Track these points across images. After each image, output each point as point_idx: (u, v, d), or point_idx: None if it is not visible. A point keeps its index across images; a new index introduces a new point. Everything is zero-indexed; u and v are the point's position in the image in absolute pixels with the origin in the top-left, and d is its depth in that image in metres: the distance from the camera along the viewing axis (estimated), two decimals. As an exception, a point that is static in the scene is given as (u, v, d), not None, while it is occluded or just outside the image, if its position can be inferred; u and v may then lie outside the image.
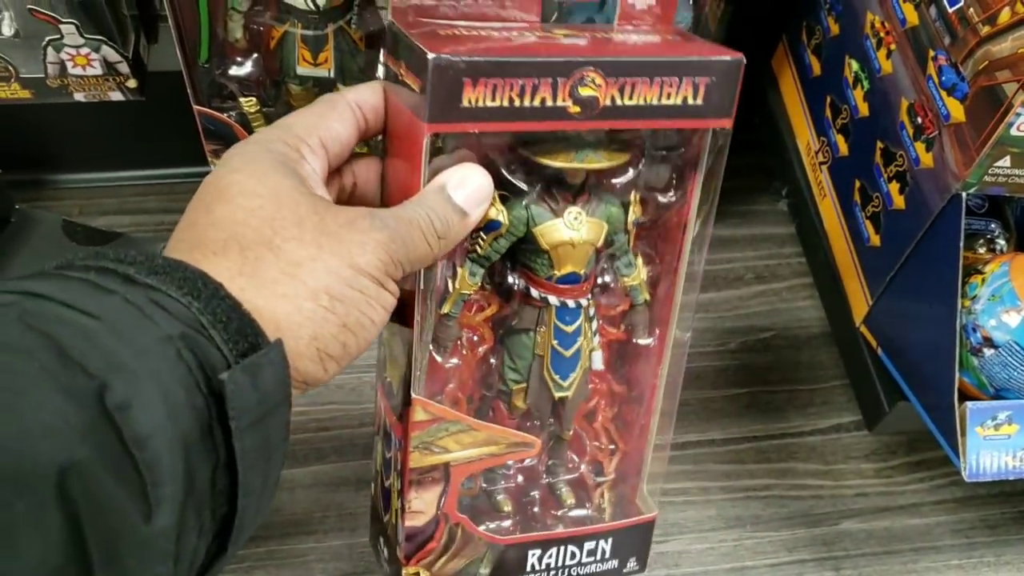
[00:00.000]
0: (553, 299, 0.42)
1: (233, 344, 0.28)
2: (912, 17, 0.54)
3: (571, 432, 0.47)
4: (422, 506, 0.43)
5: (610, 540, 0.47)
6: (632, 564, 0.49)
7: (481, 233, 0.39)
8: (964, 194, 0.50)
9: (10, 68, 0.52)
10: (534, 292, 0.42)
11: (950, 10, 0.49)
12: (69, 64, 0.52)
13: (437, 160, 0.36)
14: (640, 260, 0.44)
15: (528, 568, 0.46)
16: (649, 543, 0.49)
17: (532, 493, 0.49)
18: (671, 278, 0.45)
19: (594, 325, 0.44)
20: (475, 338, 0.44)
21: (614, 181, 0.41)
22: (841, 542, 0.63)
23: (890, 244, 0.58)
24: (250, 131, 0.53)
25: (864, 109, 0.61)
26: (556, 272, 0.41)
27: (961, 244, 0.50)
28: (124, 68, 0.53)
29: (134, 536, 0.24)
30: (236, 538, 0.29)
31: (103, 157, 0.72)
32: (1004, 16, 0.45)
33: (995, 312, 0.51)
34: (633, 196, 0.41)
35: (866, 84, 0.60)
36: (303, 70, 0.51)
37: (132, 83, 0.54)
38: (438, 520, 0.43)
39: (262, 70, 0.52)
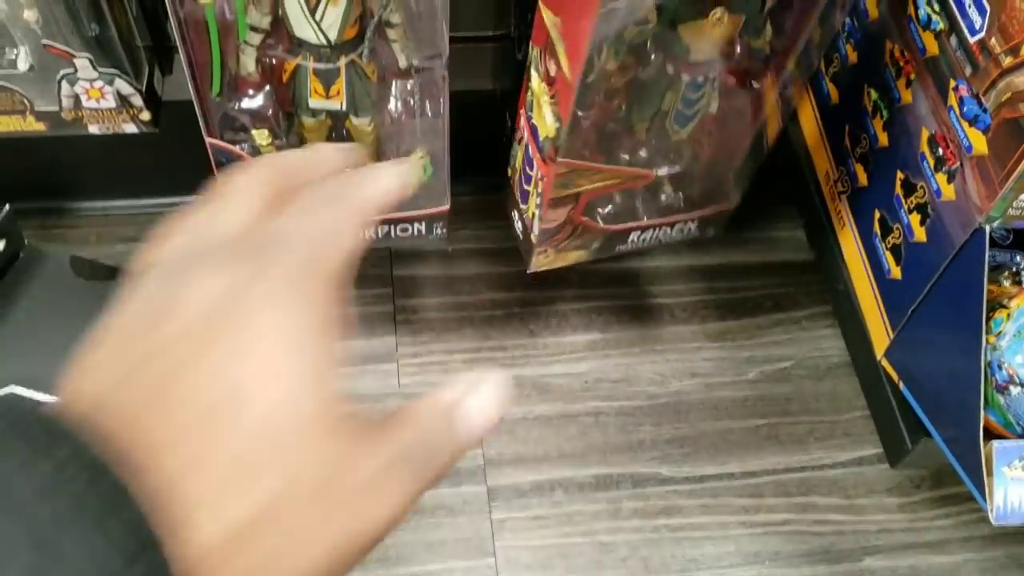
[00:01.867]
0: (685, 76, 0.48)
1: None
2: (932, 46, 0.53)
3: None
4: (555, 217, 0.54)
5: (696, 222, 0.60)
6: (711, 232, 0.63)
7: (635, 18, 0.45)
8: (988, 227, 0.49)
9: (25, 102, 0.52)
10: (669, 68, 0.48)
11: (971, 40, 0.49)
12: (83, 97, 0.52)
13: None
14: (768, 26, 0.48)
15: (629, 241, 0.59)
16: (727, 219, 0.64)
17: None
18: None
19: (715, 83, 0.50)
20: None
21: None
22: (863, 579, 0.62)
23: (912, 276, 0.57)
24: (263, 164, 0.53)
25: (884, 139, 0.60)
26: (691, 58, 0.47)
27: (985, 278, 0.49)
28: (138, 101, 0.53)
29: None
30: None
31: (119, 185, 0.72)
32: (1027, 47, 0.44)
33: (1022, 349, 0.50)
34: None
35: (885, 113, 0.59)
36: (315, 103, 0.51)
37: (145, 115, 0.54)
38: (565, 223, 0.55)
39: (274, 102, 0.51)
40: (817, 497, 0.66)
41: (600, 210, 0.56)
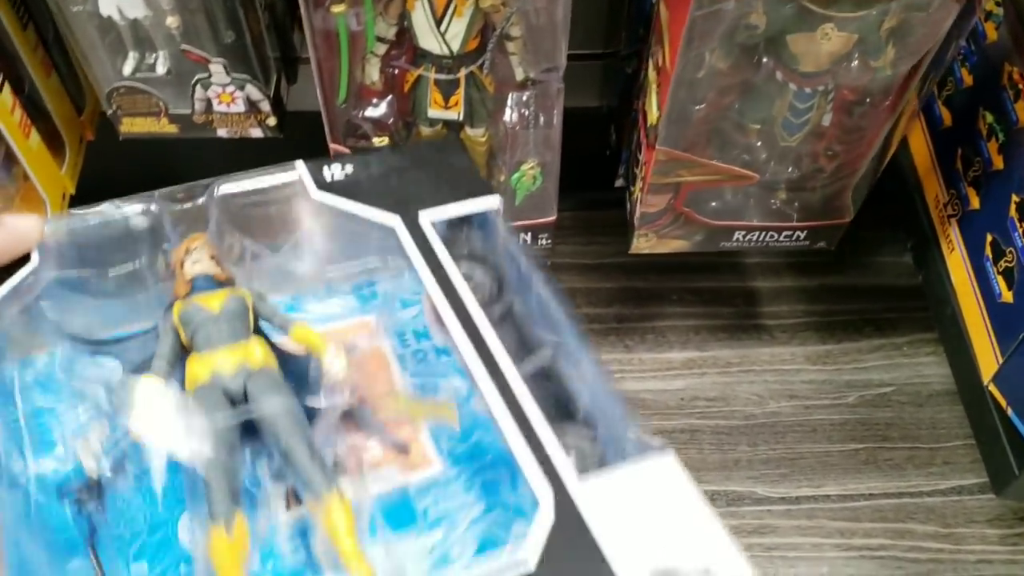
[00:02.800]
0: (792, 86, 0.48)
1: None
2: (1054, 69, 0.52)
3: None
4: (655, 203, 0.55)
5: (806, 231, 0.59)
6: (821, 244, 0.62)
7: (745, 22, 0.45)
8: (1108, 253, 0.48)
9: (161, 104, 0.55)
10: (779, 75, 0.48)
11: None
12: (215, 101, 0.55)
13: None
14: (891, 47, 0.48)
15: (733, 239, 0.59)
16: (840, 233, 0.61)
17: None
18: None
19: (830, 96, 0.50)
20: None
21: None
22: (962, 611, 0.61)
23: (1024, 301, 0.56)
24: (380, 169, 0.55)
25: (998, 162, 0.59)
26: (799, 68, 0.47)
27: (1104, 304, 0.48)
28: (266, 106, 0.55)
29: None
30: None
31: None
32: None
33: None
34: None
35: (1001, 136, 0.58)
36: (434, 112, 0.53)
37: (272, 121, 0.56)
38: (667, 210, 0.56)
39: (395, 111, 0.53)
40: (915, 524, 0.65)
41: (708, 204, 0.57)
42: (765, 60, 0.48)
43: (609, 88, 0.68)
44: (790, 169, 0.55)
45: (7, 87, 0.52)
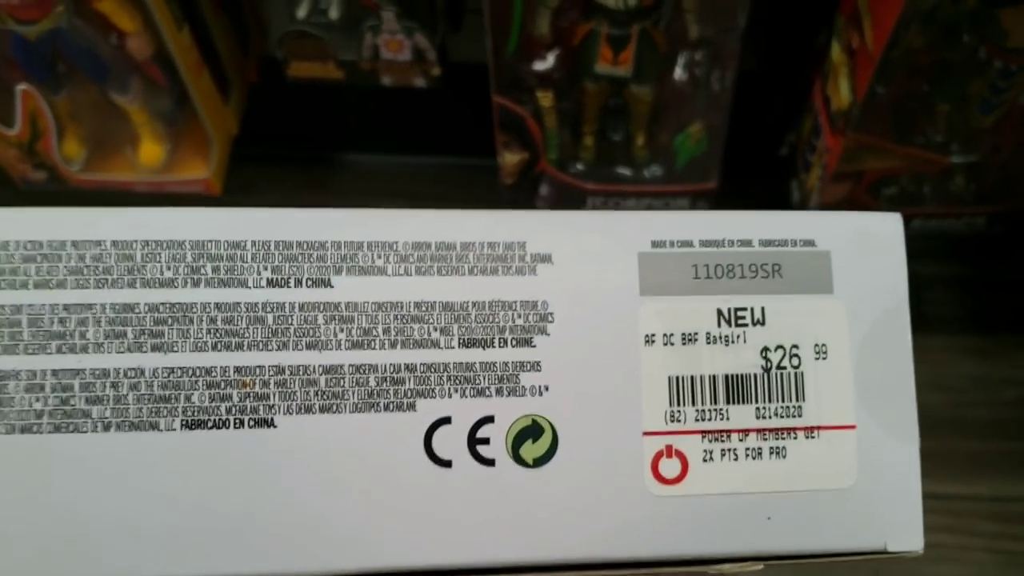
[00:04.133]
0: (997, 63, 0.46)
1: None
2: None
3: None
4: (835, 192, 0.53)
5: (985, 216, 0.57)
6: (999, 229, 0.60)
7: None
8: None
9: (329, 49, 0.56)
10: (981, 52, 0.46)
11: None
12: (383, 49, 0.55)
13: None
14: None
15: (909, 227, 0.54)
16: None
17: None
18: None
19: None
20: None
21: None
22: (1123, 628, 0.57)
23: None
24: (542, 126, 0.54)
25: None
26: (1007, 44, 0.45)
27: None
28: (432, 56, 0.55)
29: None
30: None
31: (390, 141, 0.76)
32: None
33: None
34: None
35: None
36: (601, 68, 0.52)
37: (436, 71, 0.56)
38: (845, 200, 0.54)
39: (561, 65, 0.52)
40: (1074, 534, 0.61)
41: (884, 191, 0.54)
42: (967, 37, 0.45)
43: (778, 50, 0.66)
44: (974, 151, 0.52)
45: (187, 26, 0.53)
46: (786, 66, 0.63)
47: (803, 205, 0.56)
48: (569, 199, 0.58)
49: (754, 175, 0.63)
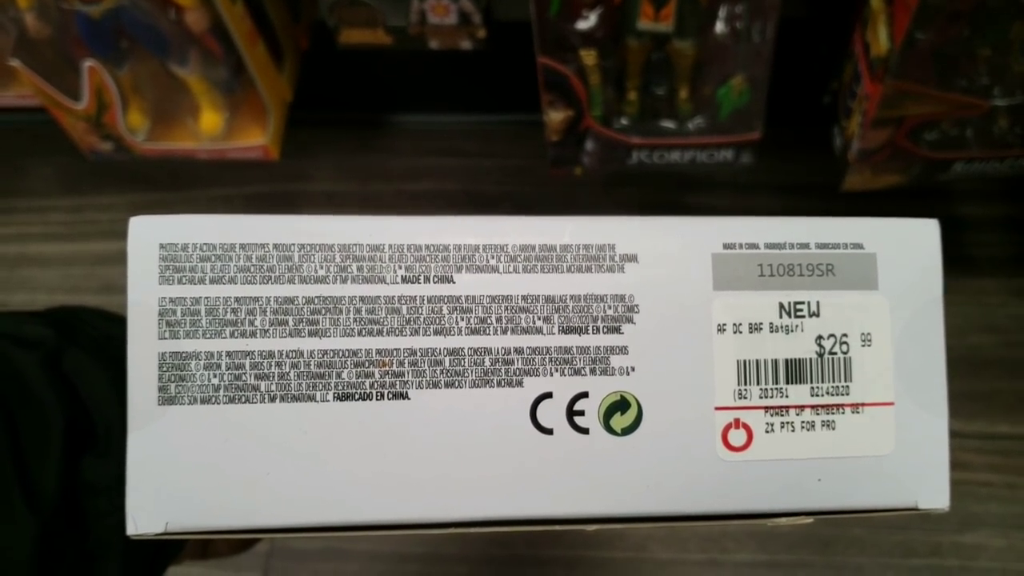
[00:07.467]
0: None
1: None
2: None
3: None
4: (876, 138, 0.53)
5: None
6: None
7: None
8: None
9: (378, 16, 0.57)
10: None
11: None
12: (430, 14, 0.56)
13: None
14: None
15: (952, 171, 0.57)
16: None
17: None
18: None
19: None
20: None
21: None
22: None
23: None
24: (586, 83, 0.56)
25: None
26: None
27: None
28: (477, 19, 0.56)
29: None
30: None
31: (440, 102, 0.77)
32: None
33: None
34: None
35: None
36: (643, 25, 0.53)
37: (481, 33, 0.57)
38: (886, 145, 0.54)
39: (604, 24, 0.53)
40: (1123, 471, 0.62)
41: (925, 136, 0.55)
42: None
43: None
44: (1017, 94, 0.52)
45: (240, -2, 0.55)
46: (829, 12, 0.63)
47: (844, 152, 0.57)
48: (614, 154, 0.60)
49: (798, 123, 0.64)
